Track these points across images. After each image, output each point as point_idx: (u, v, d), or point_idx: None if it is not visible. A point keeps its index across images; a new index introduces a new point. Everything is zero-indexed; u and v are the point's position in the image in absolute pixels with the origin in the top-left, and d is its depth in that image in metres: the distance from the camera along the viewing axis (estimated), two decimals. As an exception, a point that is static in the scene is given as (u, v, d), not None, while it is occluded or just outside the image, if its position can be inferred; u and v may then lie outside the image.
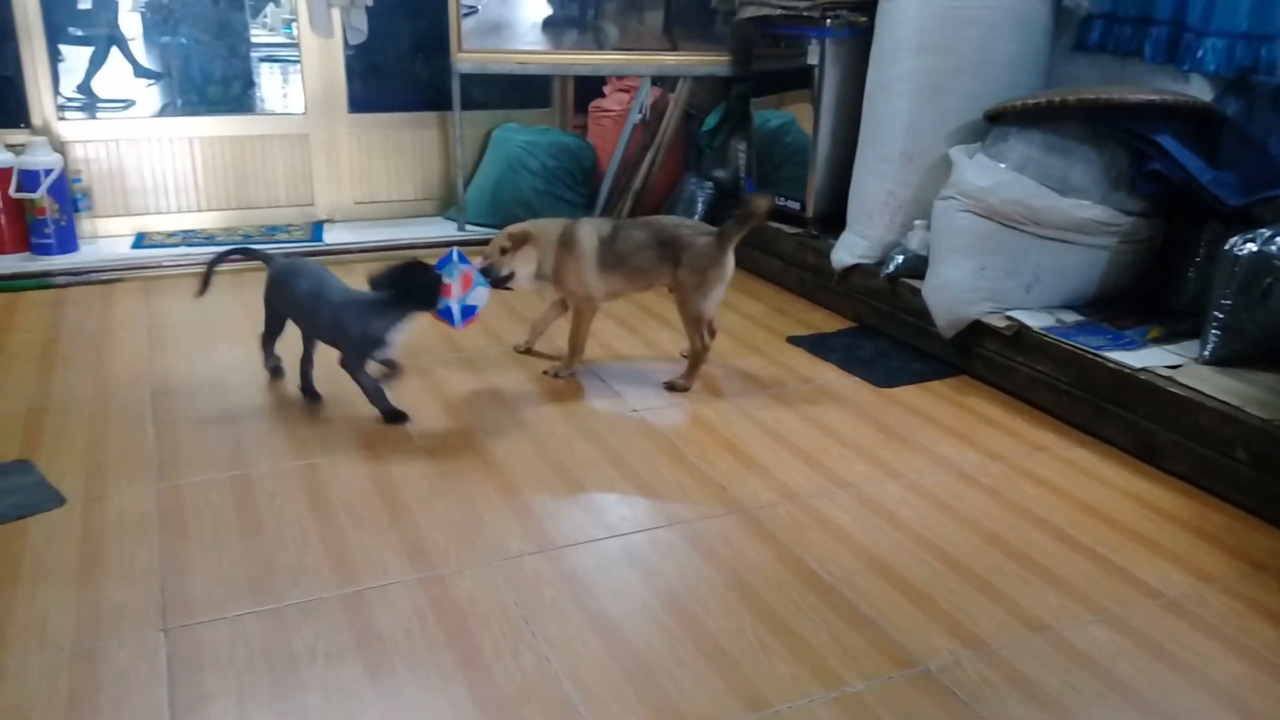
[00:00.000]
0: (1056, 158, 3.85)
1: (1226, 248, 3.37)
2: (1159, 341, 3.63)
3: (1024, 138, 3.93)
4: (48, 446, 3.32)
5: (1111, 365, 3.47)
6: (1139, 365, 3.43)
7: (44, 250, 5.17)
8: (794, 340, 4.45)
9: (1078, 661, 2.39)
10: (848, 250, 4.65)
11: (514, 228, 3.87)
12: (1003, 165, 3.92)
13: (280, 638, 2.40)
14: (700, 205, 5.71)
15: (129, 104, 7.42)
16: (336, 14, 5.61)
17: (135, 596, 2.54)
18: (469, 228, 5.91)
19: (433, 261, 3.57)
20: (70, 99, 6.84)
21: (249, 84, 7.34)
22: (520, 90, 6.37)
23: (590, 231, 3.86)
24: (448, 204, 6.18)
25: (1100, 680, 2.33)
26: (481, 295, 3.68)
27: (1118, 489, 3.23)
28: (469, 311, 3.65)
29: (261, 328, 3.82)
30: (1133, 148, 3.79)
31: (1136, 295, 4.02)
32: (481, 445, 3.41)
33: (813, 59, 4.85)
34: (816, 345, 4.39)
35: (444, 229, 5.96)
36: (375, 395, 3.54)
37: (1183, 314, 3.78)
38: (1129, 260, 3.96)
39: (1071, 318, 3.88)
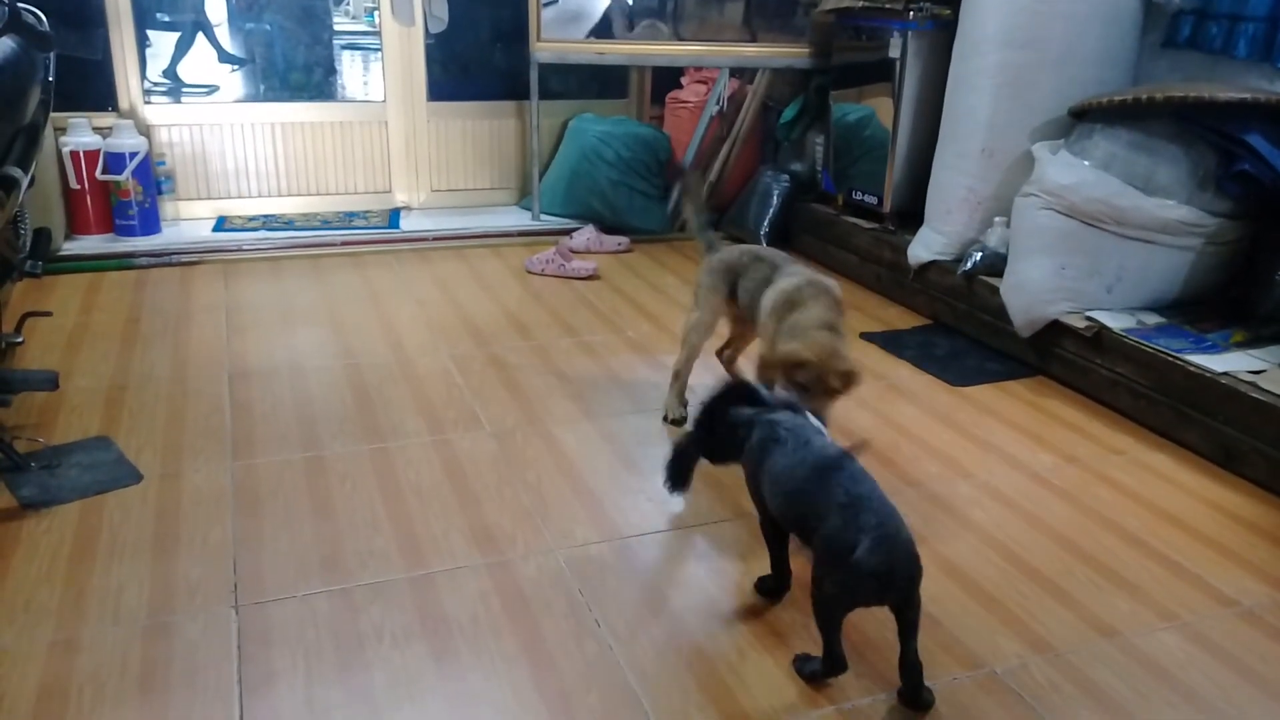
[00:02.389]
0: (1142, 156, 3.78)
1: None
2: (1242, 346, 3.54)
3: (1109, 135, 3.86)
4: (126, 423, 3.38)
5: (1192, 369, 3.40)
6: (1221, 370, 3.35)
7: (127, 231, 5.27)
8: (867, 336, 4.41)
9: (1148, 669, 2.35)
10: (925, 246, 4.60)
11: (849, 364, 2.99)
12: (1086, 163, 3.85)
13: (348, 618, 2.42)
14: (776, 198, 5.68)
15: (213, 89, 7.53)
16: (418, 2, 5.65)
17: (208, 573, 2.58)
18: (543, 217, 5.93)
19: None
20: (156, 83, 6.95)
21: (330, 71, 7.41)
22: (597, 81, 6.38)
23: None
24: (523, 193, 6.20)
25: (1171, 688, 2.28)
26: None
27: (1195, 495, 3.16)
28: None
29: None
30: (1221, 147, 3.70)
31: (1221, 298, 3.93)
32: (550, 434, 3.42)
33: (894, 52, 4.80)
34: (890, 342, 4.35)
35: (519, 218, 5.98)
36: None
37: (1268, 318, 3.69)
38: (1214, 262, 3.87)
39: (1153, 320, 3.80)
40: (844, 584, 2.13)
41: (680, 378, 3.57)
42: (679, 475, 2.55)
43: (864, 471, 2.24)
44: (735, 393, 2.52)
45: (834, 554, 2.13)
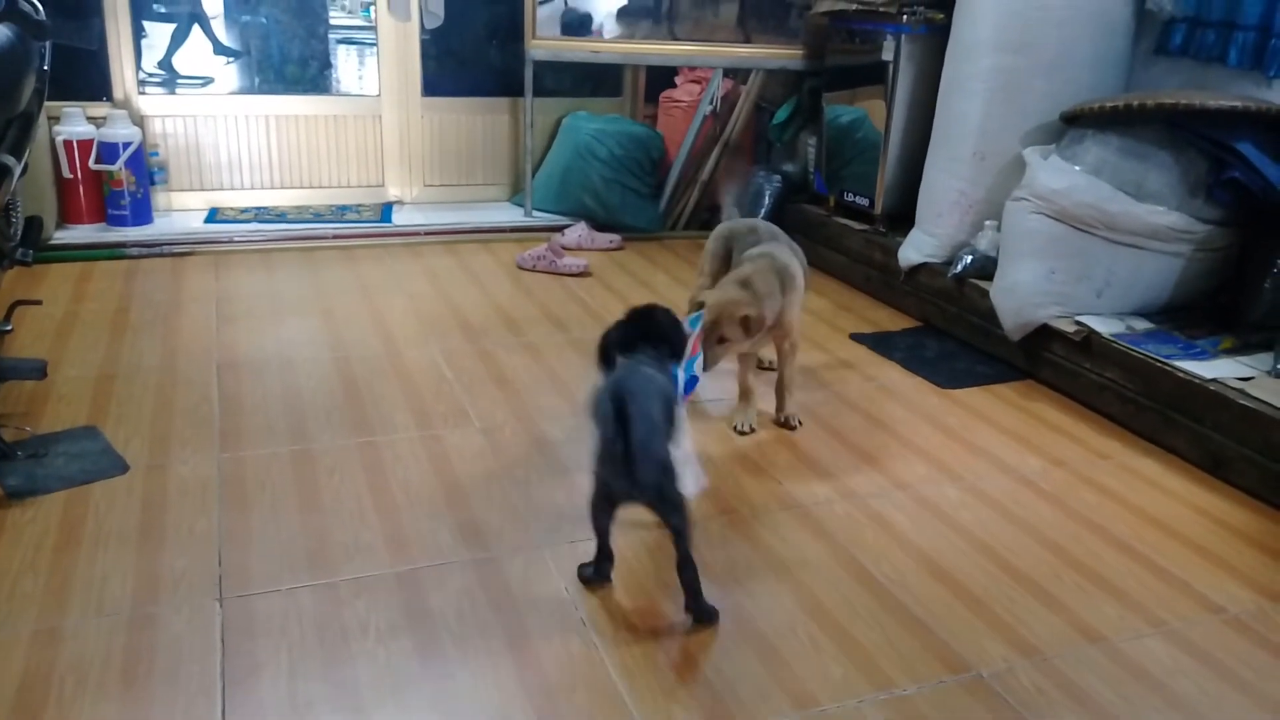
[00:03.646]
0: (1133, 162, 3.78)
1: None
2: (1231, 353, 3.55)
3: (1100, 140, 3.87)
4: (114, 413, 3.37)
5: (1181, 375, 3.41)
6: (1209, 376, 3.36)
7: (119, 221, 5.26)
8: (857, 338, 4.41)
9: (1134, 674, 2.35)
10: (915, 249, 4.61)
11: (733, 307, 3.22)
12: (1077, 168, 3.85)
13: (333, 612, 2.42)
14: (768, 199, 5.68)
15: (208, 81, 7.52)
16: (414, -3, 5.65)
17: (193, 565, 2.57)
18: (535, 214, 5.92)
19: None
20: (151, 74, 6.94)
21: (326, 65, 7.40)
22: (592, 79, 6.38)
23: (796, 263, 3.50)
24: (516, 189, 6.20)
25: (1157, 694, 2.29)
26: (699, 361, 3.32)
27: (1183, 501, 3.16)
28: (691, 385, 3.46)
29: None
30: (1211, 155, 3.71)
31: (1210, 305, 3.94)
32: (538, 430, 3.41)
33: (887, 55, 4.80)
34: (880, 343, 4.35)
35: (511, 214, 5.98)
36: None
37: (1257, 326, 3.70)
38: (1204, 269, 3.88)
39: (1142, 325, 3.81)
40: (596, 473, 2.40)
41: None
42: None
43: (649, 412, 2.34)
44: (638, 320, 2.65)
45: (596, 449, 2.34)
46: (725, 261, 3.71)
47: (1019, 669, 2.35)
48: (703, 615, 2.43)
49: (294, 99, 5.87)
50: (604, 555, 2.56)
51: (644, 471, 2.28)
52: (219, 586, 2.50)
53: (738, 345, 3.32)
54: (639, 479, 2.29)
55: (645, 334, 2.60)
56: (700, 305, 3.33)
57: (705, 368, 3.31)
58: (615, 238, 5.66)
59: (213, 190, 5.71)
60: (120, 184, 5.20)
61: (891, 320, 4.68)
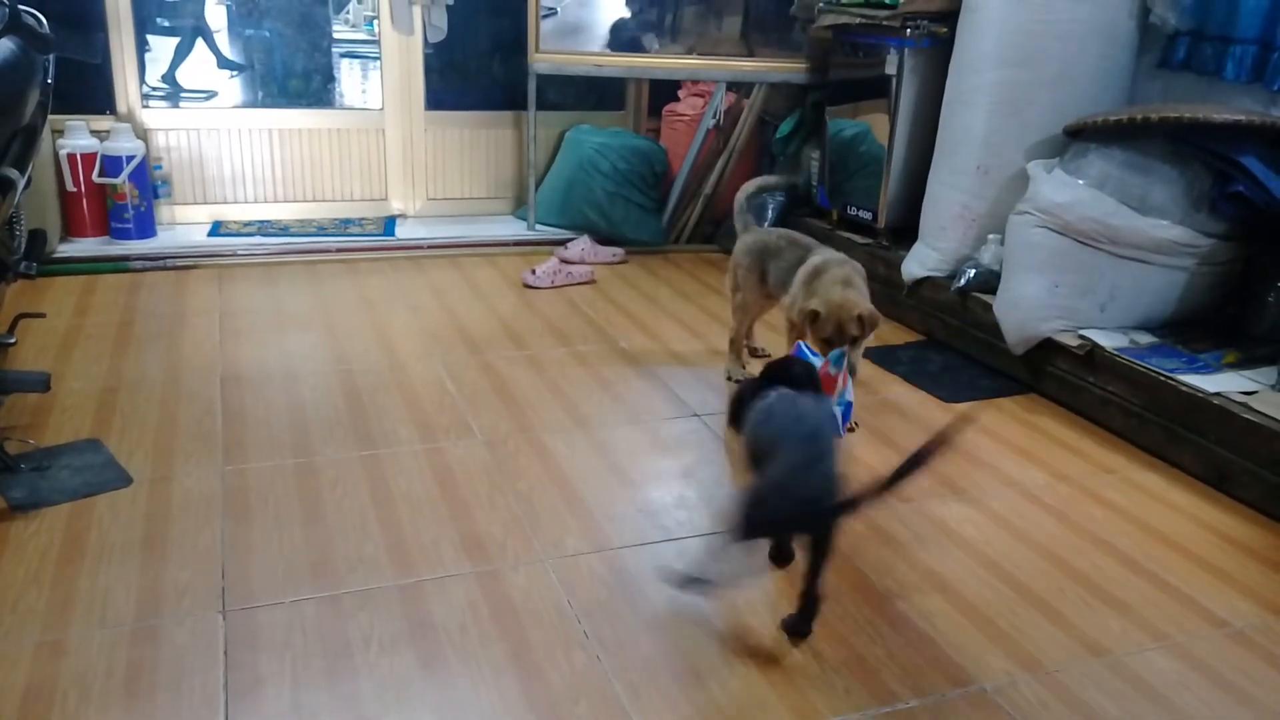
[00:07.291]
0: (1137, 176, 3.79)
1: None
2: (1235, 367, 3.55)
3: (1104, 154, 3.87)
4: (118, 426, 3.37)
5: (1185, 389, 3.40)
6: (1213, 390, 3.35)
7: (123, 235, 5.26)
8: (860, 351, 4.41)
9: (1138, 689, 2.34)
10: (919, 262, 4.61)
11: (851, 307, 3.44)
12: (1081, 182, 3.85)
13: (336, 625, 2.42)
14: (771, 212, 5.69)
15: (211, 95, 7.54)
16: (417, 12, 5.66)
17: (196, 577, 2.57)
18: (538, 227, 5.93)
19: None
20: (155, 88, 6.96)
21: (329, 79, 7.42)
22: (595, 92, 6.39)
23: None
24: (519, 203, 6.20)
25: (1161, 708, 2.28)
26: (850, 388, 3.54)
27: (1187, 515, 3.16)
28: (848, 413, 3.55)
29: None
30: (1215, 169, 3.71)
31: (1214, 319, 3.94)
32: (542, 442, 3.41)
33: (891, 69, 4.81)
34: (883, 357, 4.35)
35: (515, 228, 5.98)
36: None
37: (1261, 340, 3.70)
38: (1207, 283, 3.88)
39: (1146, 339, 3.81)
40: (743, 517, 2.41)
41: (735, 344, 4.06)
42: (734, 416, 2.80)
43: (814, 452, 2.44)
44: (774, 371, 2.84)
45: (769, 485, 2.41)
46: (762, 276, 3.88)
47: (1022, 683, 2.35)
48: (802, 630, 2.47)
49: (297, 112, 5.89)
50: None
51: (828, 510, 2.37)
52: (222, 599, 2.49)
53: (862, 342, 3.51)
54: (822, 517, 2.37)
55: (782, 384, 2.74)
56: (814, 315, 3.45)
57: (853, 371, 3.53)
58: (619, 251, 5.66)
59: (216, 204, 5.72)
60: (124, 197, 5.21)
61: (894, 334, 4.68)
